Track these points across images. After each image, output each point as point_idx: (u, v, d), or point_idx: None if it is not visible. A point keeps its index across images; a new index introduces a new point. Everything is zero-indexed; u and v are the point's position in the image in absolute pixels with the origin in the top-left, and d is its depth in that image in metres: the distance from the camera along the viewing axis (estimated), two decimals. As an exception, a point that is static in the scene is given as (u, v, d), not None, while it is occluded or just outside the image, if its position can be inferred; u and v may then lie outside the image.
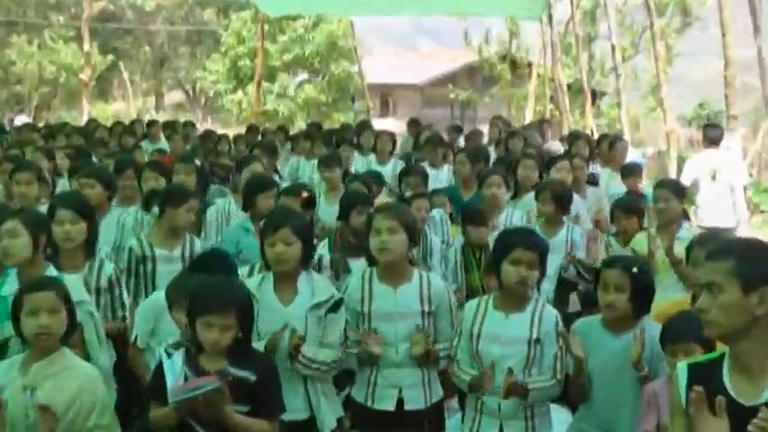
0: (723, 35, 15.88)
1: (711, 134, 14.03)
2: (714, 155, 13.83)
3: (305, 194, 8.22)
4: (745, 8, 16.17)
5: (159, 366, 5.05)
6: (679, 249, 7.59)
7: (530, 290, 5.79)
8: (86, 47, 46.18)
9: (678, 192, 8.74)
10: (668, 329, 5.42)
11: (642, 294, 5.76)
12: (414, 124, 19.94)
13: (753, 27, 16.15)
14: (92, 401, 4.98)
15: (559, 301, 8.54)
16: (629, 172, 11.84)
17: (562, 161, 10.62)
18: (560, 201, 8.77)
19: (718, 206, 13.33)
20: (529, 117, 27.99)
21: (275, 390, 5.19)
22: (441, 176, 12.50)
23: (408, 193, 9.19)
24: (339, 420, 6.17)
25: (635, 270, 5.77)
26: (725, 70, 16.04)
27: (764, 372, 3.73)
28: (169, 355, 5.02)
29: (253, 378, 4.93)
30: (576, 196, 9.76)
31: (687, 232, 8.44)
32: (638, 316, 5.74)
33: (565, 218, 8.88)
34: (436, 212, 9.38)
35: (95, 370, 5.25)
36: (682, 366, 3.93)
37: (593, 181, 11.68)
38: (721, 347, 3.97)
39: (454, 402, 7.26)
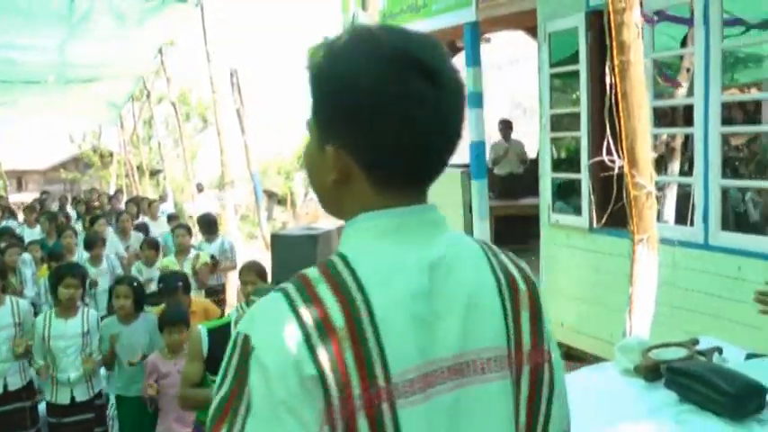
0: (218, 134, 16.90)
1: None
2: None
3: None
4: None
5: None
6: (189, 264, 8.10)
7: (77, 302, 5.89)
8: None
9: (189, 230, 9.07)
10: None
11: (140, 298, 6.03)
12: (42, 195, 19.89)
13: (240, 129, 17.40)
14: None
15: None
16: (170, 219, 12.85)
17: (101, 219, 11.05)
18: (104, 243, 9.29)
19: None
20: (113, 188, 27.89)
21: None
22: (34, 233, 12.28)
23: (3, 245, 9.13)
24: None
25: (135, 284, 6.10)
26: (221, 155, 17.03)
27: None
28: None
29: None
30: (115, 237, 10.43)
31: (194, 253, 8.60)
32: (139, 310, 5.97)
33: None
34: (26, 255, 9.26)
35: None
36: (203, 329, 3.95)
37: (143, 227, 12.07)
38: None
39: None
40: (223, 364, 1.16)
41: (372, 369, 1.12)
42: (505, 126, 11.72)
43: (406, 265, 1.18)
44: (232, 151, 18.21)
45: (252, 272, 5.55)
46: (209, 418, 1.15)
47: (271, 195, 25.77)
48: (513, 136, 11.84)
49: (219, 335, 3.88)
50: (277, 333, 1.11)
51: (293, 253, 7.77)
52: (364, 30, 1.24)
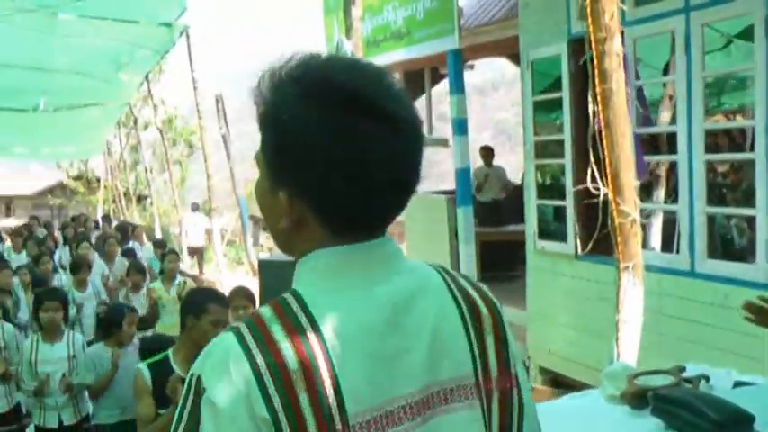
0: (205, 160, 16.67)
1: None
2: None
3: None
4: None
5: None
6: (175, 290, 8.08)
7: (61, 326, 5.85)
8: None
9: (178, 256, 9.20)
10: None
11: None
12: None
13: (225, 154, 17.24)
14: None
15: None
16: (157, 245, 12.68)
17: (85, 242, 11.08)
18: (89, 267, 9.12)
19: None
20: (100, 213, 27.78)
21: None
22: (21, 257, 12.17)
23: None
24: None
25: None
26: (207, 181, 16.80)
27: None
28: None
29: None
30: (101, 262, 10.33)
31: (180, 279, 8.54)
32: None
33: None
34: (15, 279, 8.91)
35: None
36: (143, 366, 3.95)
37: (130, 252, 11.77)
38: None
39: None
40: (179, 405, 1.14)
41: (329, 412, 1.09)
42: (487, 153, 11.74)
43: (363, 301, 1.16)
44: (219, 177, 18.23)
45: (242, 297, 5.44)
46: None
47: (257, 221, 25.62)
48: (496, 161, 11.84)
49: (159, 368, 3.92)
50: (228, 374, 1.09)
51: (280, 278, 7.53)
52: (313, 66, 1.18)
